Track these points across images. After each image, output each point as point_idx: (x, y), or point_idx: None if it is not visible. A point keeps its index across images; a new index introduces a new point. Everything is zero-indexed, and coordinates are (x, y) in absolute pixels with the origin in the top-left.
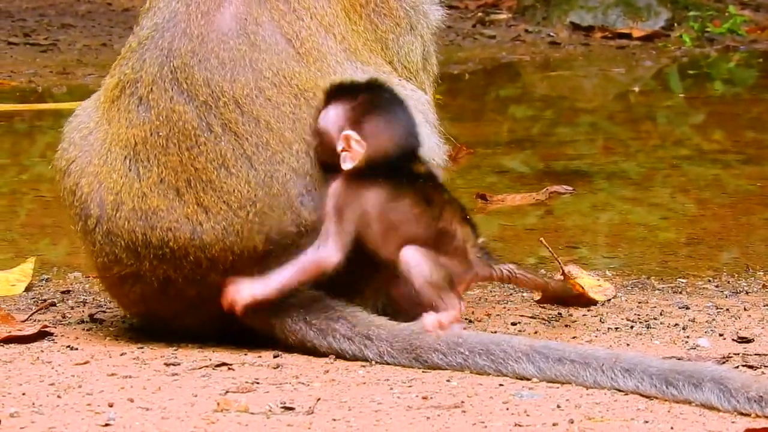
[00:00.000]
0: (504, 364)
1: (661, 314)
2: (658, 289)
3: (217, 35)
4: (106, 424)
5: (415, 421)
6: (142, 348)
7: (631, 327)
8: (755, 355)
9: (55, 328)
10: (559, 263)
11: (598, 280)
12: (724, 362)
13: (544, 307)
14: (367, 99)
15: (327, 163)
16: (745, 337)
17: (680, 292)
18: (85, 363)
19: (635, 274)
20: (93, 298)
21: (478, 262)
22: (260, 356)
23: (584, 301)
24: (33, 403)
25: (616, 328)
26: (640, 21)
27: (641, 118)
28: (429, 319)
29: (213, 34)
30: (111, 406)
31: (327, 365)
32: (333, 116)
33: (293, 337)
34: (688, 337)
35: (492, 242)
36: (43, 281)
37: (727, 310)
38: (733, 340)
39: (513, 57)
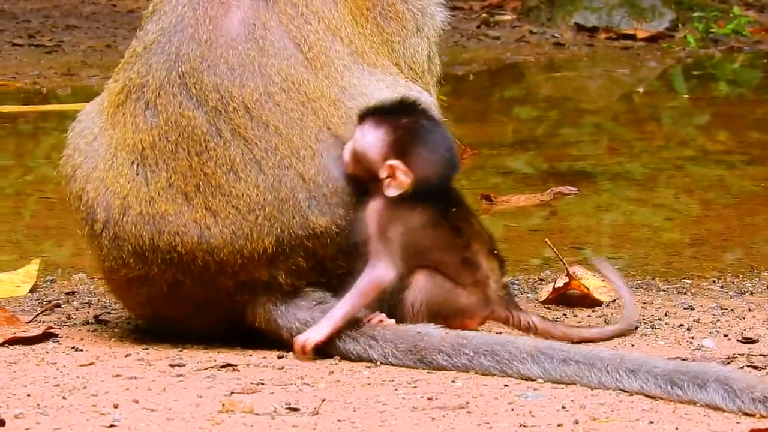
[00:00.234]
0: (509, 365)
1: (665, 315)
2: (663, 290)
3: (226, 40)
4: (111, 425)
5: (420, 422)
6: (147, 349)
7: (636, 327)
8: (760, 355)
9: (60, 329)
10: (564, 264)
11: (603, 280)
12: (728, 363)
13: (548, 308)
14: (410, 127)
15: (360, 181)
16: (750, 338)
17: (685, 293)
18: (90, 364)
19: (640, 275)
20: (98, 300)
21: (498, 301)
22: (265, 357)
23: (589, 301)
24: (38, 404)
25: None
26: (644, 22)
27: (645, 119)
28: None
29: (221, 39)
30: (116, 407)
31: (332, 366)
32: (373, 141)
33: None
34: (692, 337)
35: (496, 243)
36: (48, 282)
37: (732, 310)
38: (737, 340)
39: (517, 58)
